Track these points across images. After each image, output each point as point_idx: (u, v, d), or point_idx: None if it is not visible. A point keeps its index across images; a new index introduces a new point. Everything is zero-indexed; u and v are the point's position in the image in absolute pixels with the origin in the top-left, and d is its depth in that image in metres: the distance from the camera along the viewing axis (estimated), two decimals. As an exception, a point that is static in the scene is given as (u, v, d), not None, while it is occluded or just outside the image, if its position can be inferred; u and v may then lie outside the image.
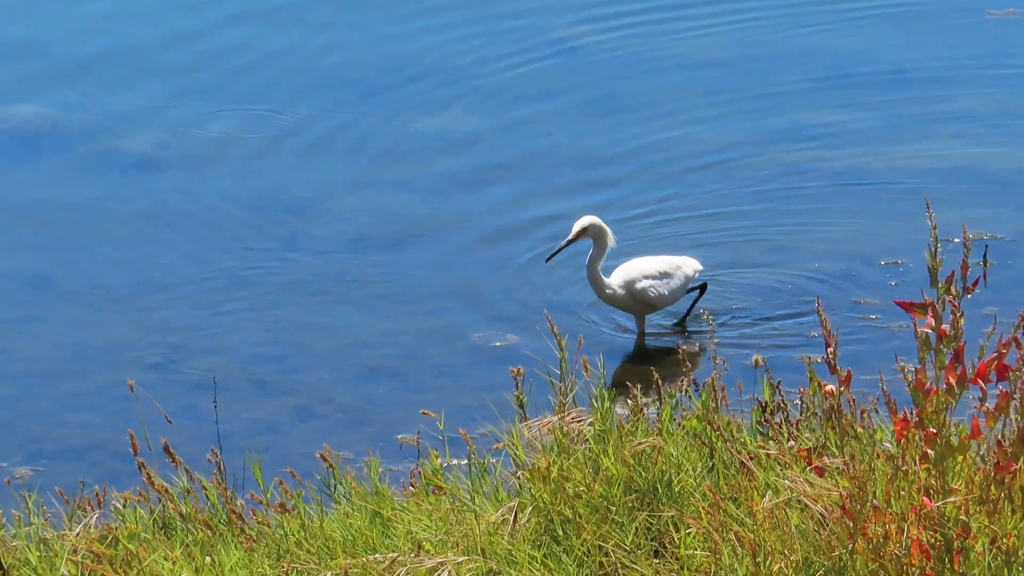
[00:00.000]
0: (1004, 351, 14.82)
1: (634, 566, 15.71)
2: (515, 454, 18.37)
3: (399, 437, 21.64)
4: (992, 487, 14.83)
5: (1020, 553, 14.88)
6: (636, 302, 23.98)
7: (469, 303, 28.36)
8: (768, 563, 15.05)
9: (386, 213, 31.74)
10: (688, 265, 23.96)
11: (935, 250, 14.72)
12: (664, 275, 23.29)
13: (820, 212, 24.76)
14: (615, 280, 24.71)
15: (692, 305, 25.13)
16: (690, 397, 19.07)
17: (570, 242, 25.52)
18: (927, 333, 15.16)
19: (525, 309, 28.15)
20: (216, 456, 18.95)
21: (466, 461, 18.98)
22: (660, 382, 19.08)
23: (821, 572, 15.13)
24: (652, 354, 24.32)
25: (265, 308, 29.82)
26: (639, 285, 23.21)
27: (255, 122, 36.00)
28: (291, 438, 23.62)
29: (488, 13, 44.33)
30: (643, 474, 16.94)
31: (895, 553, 14.70)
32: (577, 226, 25.05)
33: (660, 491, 16.82)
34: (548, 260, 26.85)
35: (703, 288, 24.51)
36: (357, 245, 30.00)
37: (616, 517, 16.46)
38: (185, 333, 28.36)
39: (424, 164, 33.89)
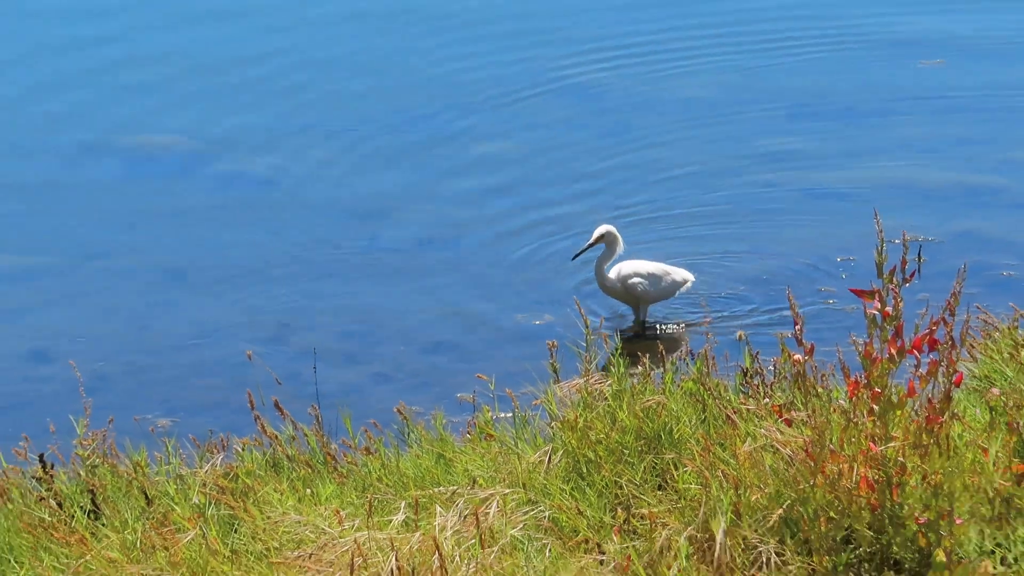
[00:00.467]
0: (934, 328, 15.09)
1: (642, 497, 15.79)
2: (550, 409, 18.49)
3: (458, 395, 21.68)
4: (924, 435, 15.03)
5: (945, 487, 14.82)
6: (626, 294, 24.46)
7: (513, 290, 28.76)
8: (747, 494, 15.09)
9: (444, 216, 31.50)
10: (678, 274, 24.37)
11: (881, 249, 15.20)
12: (652, 276, 23.83)
13: (788, 219, 24.99)
14: (613, 274, 25.14)
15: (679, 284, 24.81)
16: (687, 364, 19.18)
17: (591, 245, 25.38)
18: (874, 314, 15.44)
19: (558, 295, 27.79)
20: (315, 410, 19.29)
21: (511, 414, 19.27)
22: (663, 353, 19.19)
23: (788, 502, 14.95)
24: (657, 332, 24.58)
25: (351, 294, 29.93)
26: (630, 281, 23.69)
27: (343, 143, 35.30)
28: (373, 397, 23.89)
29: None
30: (650, 424, 17.18)
31: (847, 487, 14.86)
32: (597, 232, 25.28)
33: (663, 438, 16.99)
34: (574, 258, 26.72)
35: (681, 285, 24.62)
36: (421, 243, 30.20)
37: (628, 459, 16.64)
38: (290, 314, 28.73)
39: (472, 178, 33.47)
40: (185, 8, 52.68)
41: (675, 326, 22.91)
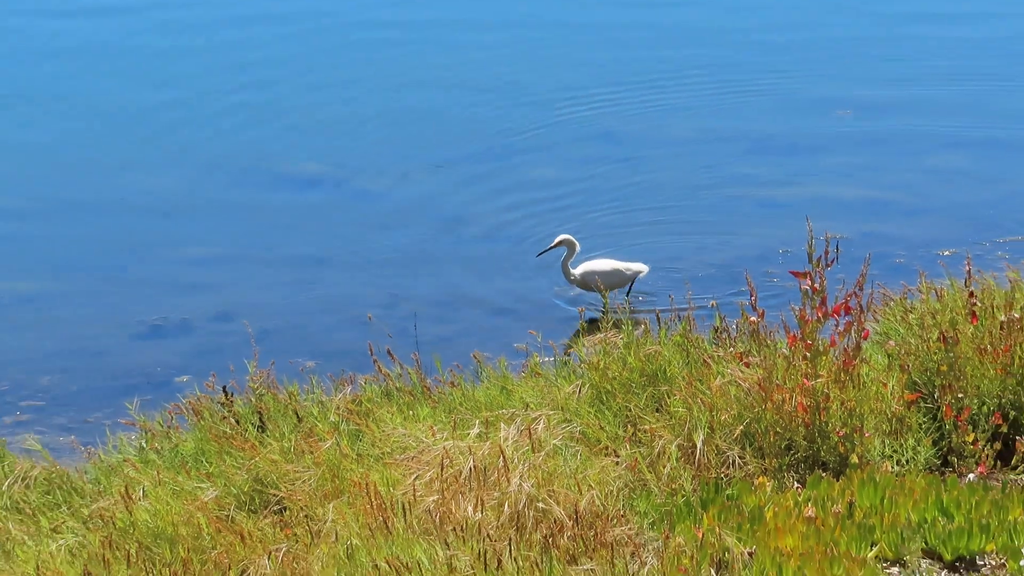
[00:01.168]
0: (848, 299, 16.01)
1: (644, 417, 16.11)
2: (580, 355, 18.77)
3: (516, 345, 21.68)
4: (842, 374, 15.90)
5: (857, 410, 15.74)
6: (585, 284, 23.69)
7: (549, 278, 26.41)
8: (718, 415, 15.77)
9: (501, 225, 28.91)
10: (632, 268, 23.81)
11: (810, 243, 16.01)
12: (603, 272, 23.27)
13: (745, 223, 24.23)
14: (577, 271, 24.27)
15: (629, 288, 24.31)
16: (676, 324, 18.75)
17: (552, 247, 24.77)
18: (806, 289, 16.19)
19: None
20: (416, 356, 19.18)
21: (552, 359, 19.34)
22: (659, 316, 19.08)
23: (747, 420, 15.63)
24: (651, 305, 23.42)
25: (441, 276, 27.89)
26: (585, 275, 23.27)
27: (435, 170, 32.00)
28: (457, 346, 22.11)
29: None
30: (649, 366, 17.29)
31: (788, 410, 15.60)
32: (557, 239, 24.63)
33: (659, 376, 17.10)
34: (538, 255, 25.80)
35: (635, 277, 23.95)
36: (485, 242, 28.18)
37: (635, 390, 16.86)
38: (398, 289, 26.79)
39: (521, 196, 30.27)
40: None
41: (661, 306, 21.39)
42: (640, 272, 24.40)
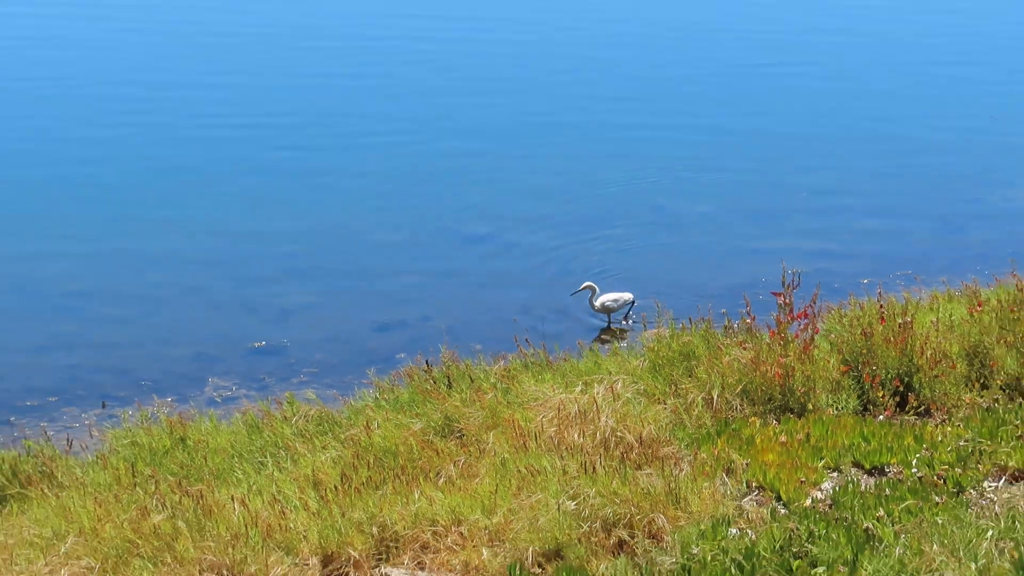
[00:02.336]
0: (806, 309, 16.90)
1: (681, 380, 16.36)
2: (643, 341, 18.97)
3: (602, 336, 21.34)
4: (802, 354, 16.51)
5: (811, 377, 16.17)
6: (603, 310, 22.71)
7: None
8: (727, 379, 16.20)
9: (545, 250, 25.53)
10: (625, 297, 22.90)
11: (783, 275, 16.79)
12: (614, 300, 22.50)
13: (740, 264, 22.84)
14: (597, 302, 22.77)
15: (629, 310, 22.89)
16: (699, 325, 18.62)
17: (580, 290, 22.98)
18: (780, 303, 17.07)
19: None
20: (543, 344, 19.48)
21: (626, 344, 20.48)
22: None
23: (744, 383, 16.08)
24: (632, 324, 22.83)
25: (550, 294, 24.02)
26: (605, 304, 22.32)
27: (561, 227, 27.05)
28: (564, 336, 20.35)
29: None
30: (685, 348, 17.36)
31: (769, 376, 16.16)
32: (583, 285, 22.88)
33: (690, 355, 17.17)
34: (572, 295, 23.43)
35: (632, 303, 22.85)
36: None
37: (675, 363, 16.94)
38: (529, 302, 23.39)
39: (586, 229, 27.00)
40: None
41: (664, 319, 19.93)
42: (633, 300, 23.03)
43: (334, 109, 33.47)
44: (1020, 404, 15.30)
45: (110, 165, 29.42)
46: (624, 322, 22.22)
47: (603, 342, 20.94)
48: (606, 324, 21.35)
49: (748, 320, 18.06)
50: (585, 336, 21.20)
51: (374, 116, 32.80)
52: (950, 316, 17.59)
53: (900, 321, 16.55)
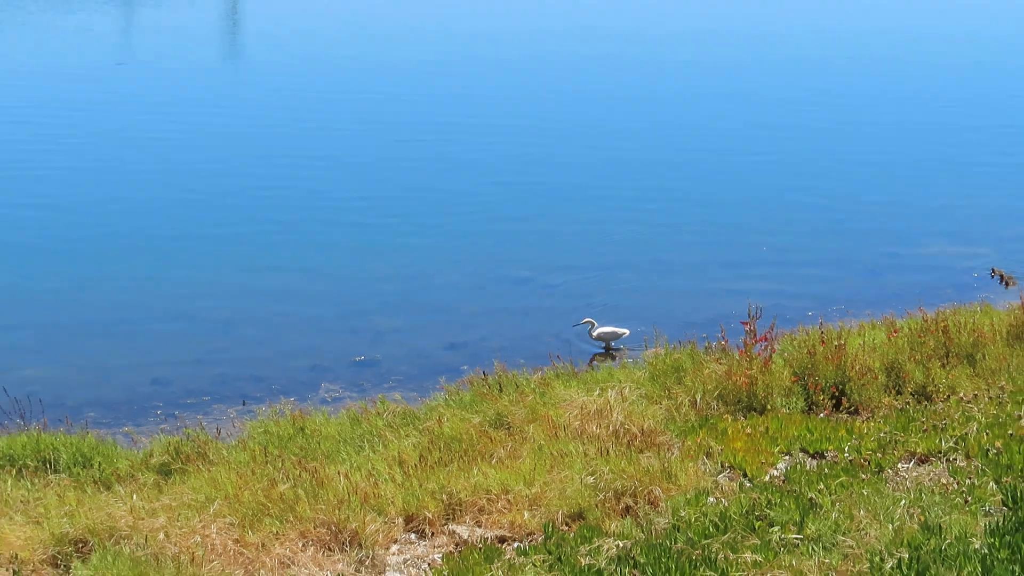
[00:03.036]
0: (766, 334, 17.05)
1: (673, 387, 16.46)
2: (645, 358, 18.41)
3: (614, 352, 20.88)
4: (762, 367, 16.48)
5: (770, 385, 16.26)
6: (599, 339, 21.16)
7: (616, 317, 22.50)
8: (707, 386, 16.26)
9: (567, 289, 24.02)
10: (621, 329, 21.48)
11: (749, 309, 17.27)
12: (609, 333, 21.25)
13: (713, 300, 21.78)
14: (594, 334, 20.96)
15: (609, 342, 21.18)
16: (686, 346, 18.19)
17: (581, 323, 21.33)
18: (747, 330, 17.28)
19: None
20: (571, 359, 19.03)
21: (632, 360, 19.23)
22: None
23: (720, 389, 16.20)
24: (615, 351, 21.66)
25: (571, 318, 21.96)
26: (602, 335, 21.12)
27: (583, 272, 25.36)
28: (579, 352, 20.52)
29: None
30: (675, 363, 17.31)
31: (738, 384, 16.21)
32: (583, 320, 21.22)
33: (680, 368, 17.05)
34: (573, 326, 21.70)
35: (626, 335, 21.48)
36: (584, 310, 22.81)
37: (668, 373, 16.99)
38: (557, 327, 22.08)
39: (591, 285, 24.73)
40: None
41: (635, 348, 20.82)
42: (625, 332, 21.53)
43: (417, 185, 31.83)
44: (925, 406, 15.69)
45: (246, 226, 28.87)
46: (620, 349, 21.31)
47: (612, 358, 20.36)
48: (603, 349, 20.78)
49: (723, 343, 17.96)
50: (601, 355, 20.76)
51: (443, 191, 31.18)
52: (873, 340, 17.90)
53: (836, 343, 16.92)
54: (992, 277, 22.15)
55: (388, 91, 44.29)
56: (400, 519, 13.08)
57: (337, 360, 19.08)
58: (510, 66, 47.10)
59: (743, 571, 10.47)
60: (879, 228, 27.05)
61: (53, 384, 17.78)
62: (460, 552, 12.12)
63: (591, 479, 13.42)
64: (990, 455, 13.25)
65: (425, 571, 12.10)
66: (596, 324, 20.65)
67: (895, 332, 17.83)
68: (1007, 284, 21.90)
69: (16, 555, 11.86)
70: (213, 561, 11.74)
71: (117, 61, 50.70)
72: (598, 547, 11.53)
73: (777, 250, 25.51)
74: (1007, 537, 9.61)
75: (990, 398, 15.53)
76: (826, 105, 42.10)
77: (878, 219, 27.83)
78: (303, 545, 12.39)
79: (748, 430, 15.02)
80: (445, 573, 11.58)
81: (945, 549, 9.80)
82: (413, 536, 12.94)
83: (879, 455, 13.89)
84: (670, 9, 63.47)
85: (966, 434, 14.19)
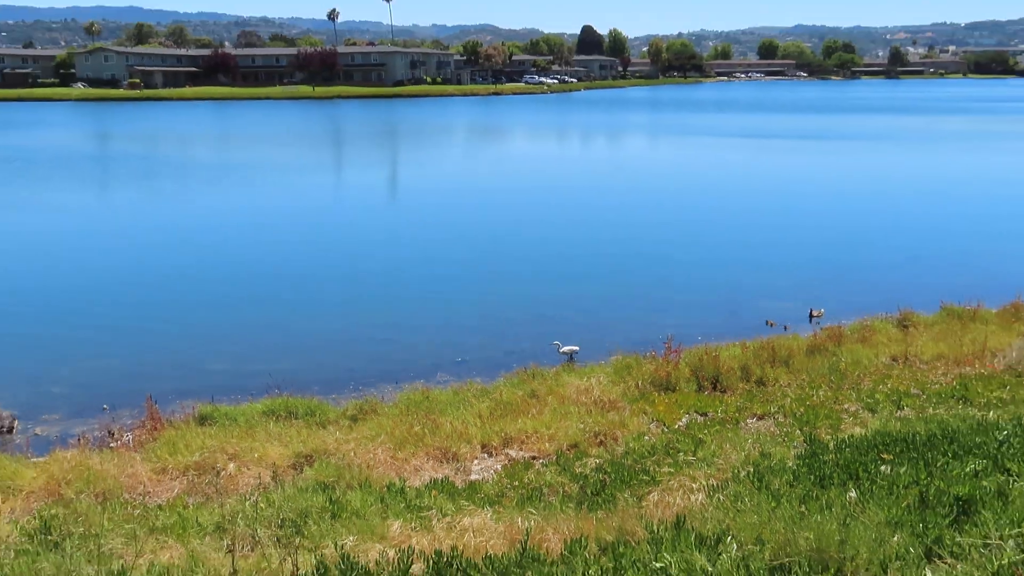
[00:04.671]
0: (677, 349, 16.31)
1: (627, 376, 16.00)
2: (612, 361, 17.16)
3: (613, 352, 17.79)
4: (674, 366, 16.17)
5: (678, 377, 15.83)
6: (564, 354, 17.95)
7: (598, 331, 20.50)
8: (645, 375, 15.95)
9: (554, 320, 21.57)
10: (575, 348, 18.37)
11: (668, 339, 16.39)
12: (570, 349, 18.31)
13: (651, 333, 19.19)
14: (561, 349, 18.06)
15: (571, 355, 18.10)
16: (632, 354, 17.29)
17: (553, 344, 18.35)
18: (666, 346, 16.72)
19: (586, 336, 19.25)
20: (571, 360, 18.06)
21: (607, 361, 17.42)
22: (633, 353, 17.25)
23: (652, 377, 15.83)
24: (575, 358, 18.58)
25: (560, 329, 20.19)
26: (564, 351, 18.28)
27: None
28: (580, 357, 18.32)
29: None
30: (627, 363, 16.72)
31: (662, 375, 15.89)
32: (558, 344, 18.25)
33: (630, 366, 16.69)
34: (551, 343, 18.50)
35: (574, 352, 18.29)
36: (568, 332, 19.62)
37: (623, 369, 16.48)
38: (544, 336, 19.56)
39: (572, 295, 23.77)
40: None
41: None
42: (577, 349, 18.45)
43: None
44: (762, 389, 15.39)
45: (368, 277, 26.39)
46: (574, 359, 18.18)
47: (573, 362, 17.96)
48: (568, 358, 17.95)
49: (653, 352, 17.03)
50: (566, 362, 18.05)
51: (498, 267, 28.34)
52: (732, 353, 16.97)
53: (713, 354, 16.41)
54: (811, 318, 21.36)
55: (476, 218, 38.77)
56: (478, 446, 12.94)
57: (445, 361, 18.29)
58: (543, 204, 41.53)
59: (663, 477, 10.38)
60: (735, 283, 25.07)
61: (295, 372, 17.19)
62: (511, 464, 12.14)
63: (582, 426, 13.37)
64: (797, 415, 13.29)
65: (493, 473, 11.82)
66: (561, 345, 18.56)
67: (746, 348, 17.24)
68: (812, 317, 21.26)
69: (274, 462, 11.97)
70: (378, 467, 11.80)
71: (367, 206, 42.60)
72: (585, 462, 11.69)
73: (676, 297, 23.93)
74: (806, 460, 9.48)
75: (797, 385, 15.34)
76: (717, 213, 39.35)
77: (733, 278, 25.70)
78: (427, 460, 12.39)
79: (666, 400, 14.69)
80: (503, 475, 11.42)
81: (772, 466, 9.65)
82: (485, 455, 12.76)
83: (736, 415, 13.82)
84: (653, 169, 57.20)
85: (784, 404, 14.14)
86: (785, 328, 20.21)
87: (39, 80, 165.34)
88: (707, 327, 20.70)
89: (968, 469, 7.58)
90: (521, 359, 18.17)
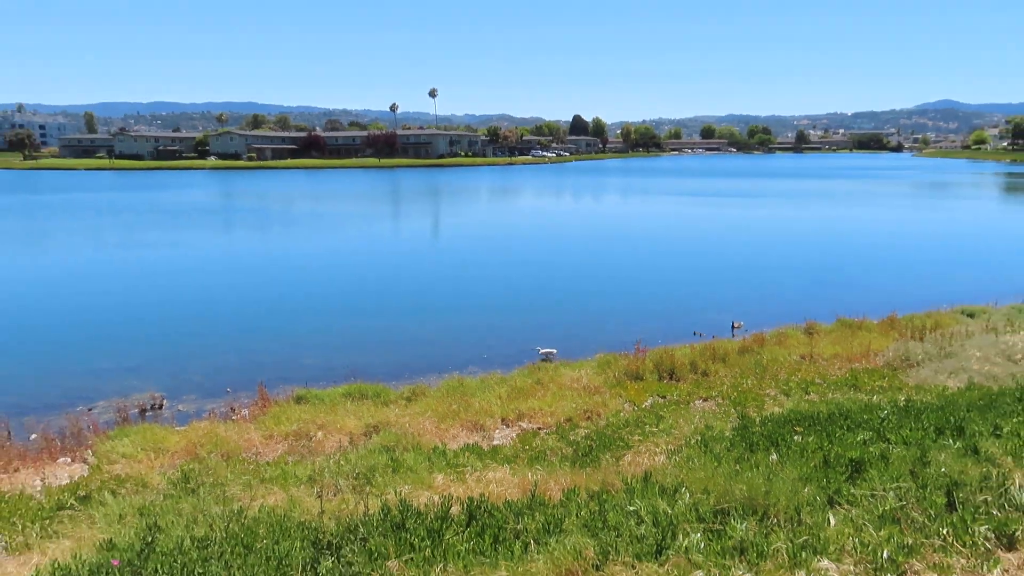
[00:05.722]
0: (644, 349, 15.31)
1: (608, 369, 15.15)
2: (598, 358, 16.25)
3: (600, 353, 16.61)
4: (641, 362, 15.35)
5: (644, 370, 15.03)
6: (543, 355, 16.75)
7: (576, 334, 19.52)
8: (620, 368, 15.14)
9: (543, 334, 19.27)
10: (553, 349, 17.06)
11: (637, 343, 14.82)
12: (548, 352, 16.78)
13: (625, 337, 18.10)
14: (541, 351, 16.90)
15: (548, 355, 16.74)
16: (611, 353, 16.43)
17: (535, 348, 17.26)
18: (636, 347, 15.79)
19: (569, 340, 18.77)
20: (564, 358, 16.93)
21: (591, 357, 16.44)
22: (611, 353, 16.34)
23: (626, 370, 15.10)
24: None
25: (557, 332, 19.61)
26: (543, 353, 16.83)
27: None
28: (565, 352, 17.20)
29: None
30: (607, 360, 15.99)
31: (633, 368, 15.19)
32: (542, 350, 17.05)
33: (610, 362, 15.94)
34: (536, 348, 17.31)
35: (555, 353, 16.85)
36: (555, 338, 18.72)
37: (604, 364, 15.74)
38: (528, 341, 18.72)
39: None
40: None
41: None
42: (555, 351, 17.11)
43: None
44: (707, 378, 14.75)
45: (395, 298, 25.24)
46: (551, 359, 16.73)
47: (550, 361, 16.59)
48: (544, 358, 16.82)
49: (626, 352, 16.29)
50: (544, 360, 16.60)
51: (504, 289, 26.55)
52: (684, 352, 16.13)
53: (670, 353, 15.77)
54: (732, 329, 20.63)
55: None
56: (499, 419, 12.59)
57: (475, 357, 17.67)
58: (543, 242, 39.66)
59: (634, 443, 10.08)
60: (678, 301, 24.21)
61: (366, 365, 16.68)
62: (523, 433, 11.77)
63: (574, 405, 13.00)
64: (732, 398, 12.96)
65: (510, 440, 11.44)
66: (541, 348, 17.47)
67: (694, 348, 16.67)
68: (733, 328, 20.61)
69: (350, 431, 11.73)
70: (426, 435, 11.49)
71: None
72: (577, 432, 11.38)
73: (641, 309, 23.22)
74: (739, 431, 9.26)
75: (732, 376, 14.88)
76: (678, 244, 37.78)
77: (682, 297, 24.93)
78: (461, 429, 12.09)
79: (636, 387, 14.16)
80: (517, 441, 11.10)
81: (714, 435, 9.40)
82: (504, 427, 12.37)
83: (687, 397, 13.42)
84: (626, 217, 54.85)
85: (722, 389, 13.76)
86: (713, 337, 19.12)
87: (183, 154, 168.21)
88: (657, 333, 19.99)
89: (859, 439, 7.56)
90: (531, 356, 17.93)
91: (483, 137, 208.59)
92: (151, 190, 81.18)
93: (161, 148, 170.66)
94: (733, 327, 20.65)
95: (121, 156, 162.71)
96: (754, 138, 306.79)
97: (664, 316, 22.59)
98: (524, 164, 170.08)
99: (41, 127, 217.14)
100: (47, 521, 7.81)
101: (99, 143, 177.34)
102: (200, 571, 4.78)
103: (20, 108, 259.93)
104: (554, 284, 27.52)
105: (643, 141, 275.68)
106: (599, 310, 23.23)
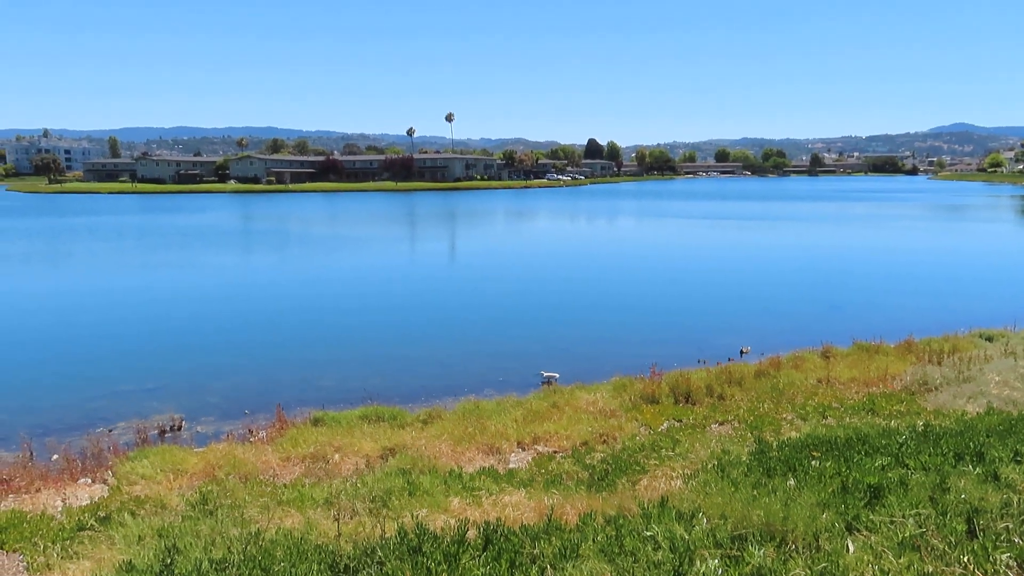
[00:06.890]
0: (660, 373, 15.44)
1: (624, 392, 15.14)
2: (613, 381, 16.20)
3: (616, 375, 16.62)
4: (657, 385, 15.26)
5: (661, 393, 15.01)
6: (546, 379, 16.73)
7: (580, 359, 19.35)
8: (636, 392, 15.12)
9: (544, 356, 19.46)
10: (555, 374, 17.06)
11: (652, 367, 14.74)
12: (550, 375, 16.91)
13: (636, 361, 18.04)
14: (544, 374, 17.01)
15: (550, 379, 16.91)
16: (626, 376, 16.41)
17: (539, 373, 17.38)
18: (652, 371, 15.57)
19: (583, 362, 18.95)
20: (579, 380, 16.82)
21: (607, 381, 16.41)
22: (627, 375, 16.47)
23: (641, 393, 15.05)
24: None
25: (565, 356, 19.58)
26: (546, 377, 16.86)
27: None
28: (582, 376, 16.99)
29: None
30: (623, 383, 15.84)
31: (649, 392, 15.14)
32: (545, 373, 17.09)
33: (626, 385, 15.92)
34: (540, 372, 17.47)
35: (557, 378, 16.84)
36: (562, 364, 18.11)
37: (620, 387, 15.72)
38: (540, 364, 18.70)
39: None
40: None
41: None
42: (556, 375, 17.17)
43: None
44: (723, 402, 14.72)
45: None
46: (550, 382, 16.89)
47: (551, 385, 16.72)
48: (547, 381, 16.95)
49: (642, 375, 16.33)
50: (546, 383, 16.74)
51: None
52: (700, 375, 16.13)
53: (686, 377, 15.78)
54: (741, 354, 20.36)
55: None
56: (515, 443, 12.54)
57: (491, 380, 17.52)
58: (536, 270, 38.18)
59: (651, 467, 10.06)
60: (699, 324, 23.74)
61: (383, 387, 16.65)
62: (539, 456, 11.76)
63: (590, 428, 12.94)
64: (748, 422, 12.92)
65: (525, 463, 11.42)
66: (544, 372, 17.46)
67: (710, 372, 16.61)
68: (742, 353, 20.38)
69: (367, 454, 11.71)
70: (442, 458, 11.47)
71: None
72: (593, 455, 11.39)
73: (652, 335, 22.68)
74: (756, 456, 9.18)
75: (748, 400, 14.85)
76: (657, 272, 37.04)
77: (694, 320, 24.45)
78: (477, 453, 12.05)
79: (652, 410, 14.17)
80: (533, 464, 11.12)
81: (731, 460, 9.33)
82: (520, 450, 12.34)
83: (704, 421, 13.38)
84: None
85: (738, 413, 13.72)
86: (717, 363, 18.43)
87: (204, 178, 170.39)
88: (672, 357, 19.74)
89: (877, 464, 7.47)
90: (532, 380, 17.97)
91: (499, 161, 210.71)
92: (172, 212, 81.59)
93: (182, 172, 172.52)
94: (741, 352, 20.47)
95: (143, 180, 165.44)
96: (768, 161, 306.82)
97: (677, 340, 22.33)
98: (540, 187, 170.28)
99: (67, 152, 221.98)
100: (68, 541, 7.87)
101: (122, 167, 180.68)
102: (218, 593, 4.78)
103: (46, 133, 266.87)
104: (568, 306, 27.30)
105: (657, 164, 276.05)
106: (613, 333, 23.05)
